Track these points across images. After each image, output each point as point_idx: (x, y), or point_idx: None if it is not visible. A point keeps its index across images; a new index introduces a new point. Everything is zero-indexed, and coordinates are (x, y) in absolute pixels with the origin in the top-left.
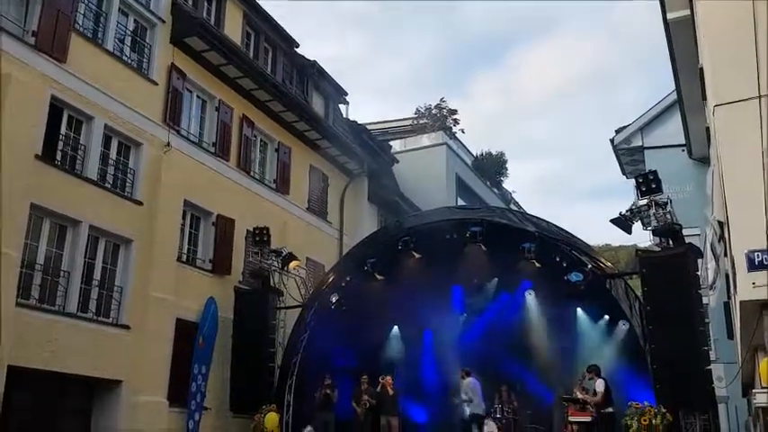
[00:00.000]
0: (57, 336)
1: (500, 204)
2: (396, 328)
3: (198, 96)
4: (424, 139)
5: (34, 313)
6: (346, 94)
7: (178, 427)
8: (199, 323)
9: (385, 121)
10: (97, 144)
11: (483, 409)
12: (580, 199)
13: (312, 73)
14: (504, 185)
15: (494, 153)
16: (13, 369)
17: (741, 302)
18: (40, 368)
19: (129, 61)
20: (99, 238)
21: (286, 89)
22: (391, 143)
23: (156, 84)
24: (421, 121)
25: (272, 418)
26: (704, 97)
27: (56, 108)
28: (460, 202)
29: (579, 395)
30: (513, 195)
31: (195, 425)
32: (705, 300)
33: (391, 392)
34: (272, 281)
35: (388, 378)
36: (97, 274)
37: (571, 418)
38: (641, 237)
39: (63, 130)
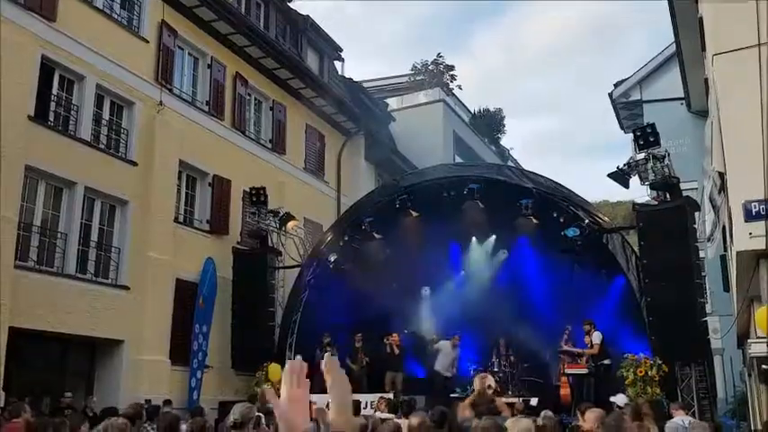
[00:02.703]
0: (57, 297)
1: (498, 162)
2: (394, 285)
3: (190, 54)
4: (421, 97)
5: (33, 275)
6: (341, 50)
7: (181, 385)
8: (198, 283)
9: (381, 79)
10: (90, 104)
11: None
12: (578, 156)
13: (306, 28)
14: (501, 143)
15: (491, 110)
16: (14, 330)
17: (738, 253)
18: (42, 329)
19: (119, 19)
20: (95, 200)
21: (279, 45)
22: (388, 101)
23: (147, 41)
24: (417, 78)
25: (274, 370)
26: (703, 48)
27: (47, 68)
28: (458, 160)
29: (571, 348)
30: (511, 152)
31: (198, 383)
32: (702, 253)
33: (397, 351)
34: (270, 241)
35: (395, 337)
36: (94, 236)
37: (567, 371)
38: (639, 193)
39: (55, 90)
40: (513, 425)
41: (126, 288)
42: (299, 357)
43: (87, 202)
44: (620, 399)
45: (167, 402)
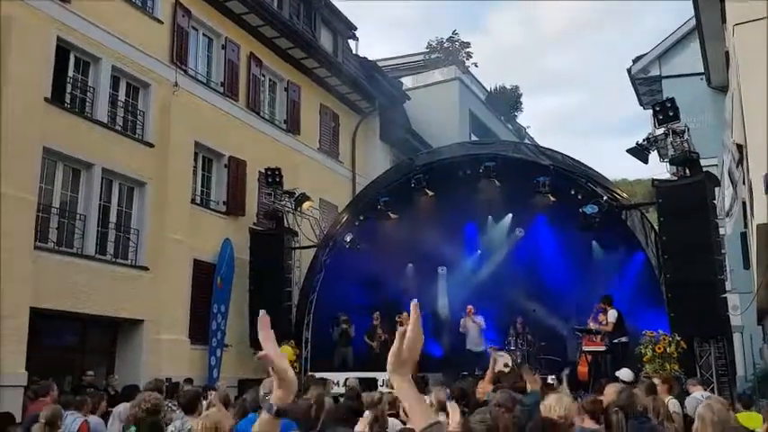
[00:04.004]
0: (76, 278)
1: (514, 140)
2: (410, 265)
3: (204, 35)
4: (436, 75)
5: (53, 256)
6: (355, 28)
7: (201, 363)
8: (216, 264)
9: (396, 57)
10: (105, 86)
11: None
12: (597, 134)
13: (320, 7)
14: (518, 121)
15: (508, 87)
16: (35, 311)
17: (758, 226)
18: (62, 309)
19: (134, 0)
20: (113, 181)
21: (293, 25)
22: (402, 80)
23: (162, 22)
24: (433, 56)
25: (285, 350)
26: (724, 20)
27: (62, 50)
28: (474, 139)
29: (592, 326)
30: (528, 131)
31: (217, 361)
32: (722, 230)
33: None
34: (286, 222)
35: (406, 315)
36: (113, 217)
37: (585, 348)
38: (658, 170)
39: (71, 72)
40: (557, 402)
41: (145, 269)
42: (262, 312)
43: (105, 183)
44: (623, 373)
45: (188, 381)
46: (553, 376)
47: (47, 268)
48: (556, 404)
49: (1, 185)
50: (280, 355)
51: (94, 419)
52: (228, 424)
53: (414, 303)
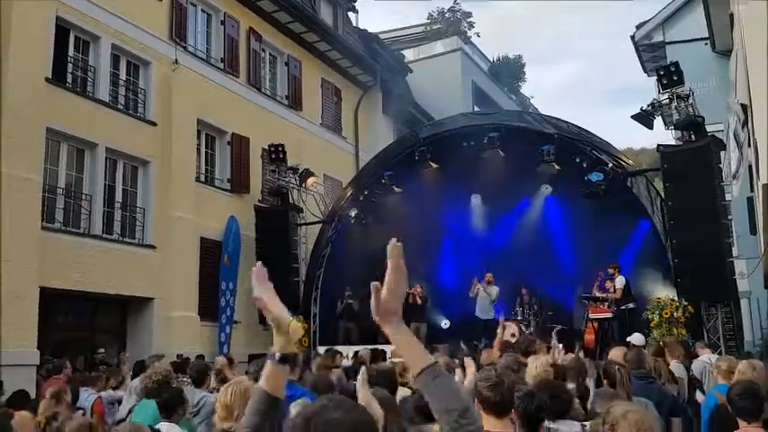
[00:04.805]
0: (85, 257)
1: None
2: (415, 238)
3: (202, 10)
4: (438, 46)
5: (60, 236)
6: (355, 0)
7: (211, 340)
8: (222, 241)
9: (397, 29)
10: (106, 64)
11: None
12: (601, 104)
13: None
14: (522, 91)
15: (511, 57)
16: (45, 290)
17: (764, 185)
18: (72, 288)
19: None
20: (117, 161)
21: None
22: (404, 52)
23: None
24: (434, 27)
25: (295, 326)
26: None
27: (62, 29)
28: (477, 110)
29: (598, 293)
30: (532, 101)
31: (227, 337)
32: (728, 196)
33: (420, 302)
34: (290, 198)
35: (417, 288)
36: (119, 197)
37: (591, 315)
38: (663, 138)
39: (71, 51)
40: (531, 361)
41: (152, 247)
42: (259, 263)
43: (109, 163)
44: (635, 338)
45: (200, 357)
46: (561, 345)
47: (55, 248)
48: (532, 364)
49: (6, 166)
50: (276, 302)
51: (108, 394)
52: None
53: (392, 244)
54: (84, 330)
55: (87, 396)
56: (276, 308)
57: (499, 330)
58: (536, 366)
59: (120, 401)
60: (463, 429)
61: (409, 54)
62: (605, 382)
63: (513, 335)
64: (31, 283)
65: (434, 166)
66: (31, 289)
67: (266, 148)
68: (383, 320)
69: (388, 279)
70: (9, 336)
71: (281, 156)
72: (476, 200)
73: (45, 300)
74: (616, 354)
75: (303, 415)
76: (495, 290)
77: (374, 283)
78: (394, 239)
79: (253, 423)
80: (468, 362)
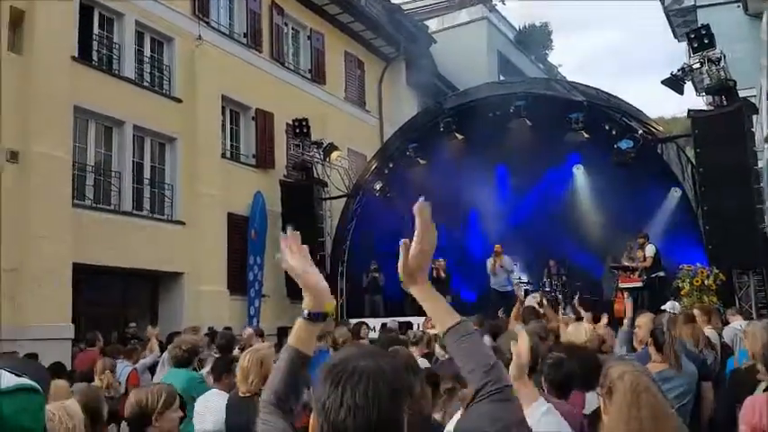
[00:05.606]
0: (115, 234)
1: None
2: (441, 210)
3: None
4: (463, 15)
5: (91, 213)
6: None
7: (240, 313)
8: (249, 216)
9: None
10: (131, 42)
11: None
12: (630, 73)
13: None
14: (549, 60)
15: (537, 25)
16: (78, 266)
17: None
18: (104, 264)
19: None
20: (144, 138)
21: None
22: (428, 22)
23: None
24: None
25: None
26: None
27: (86, 8)
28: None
29: (627, 263)
30: (560, 70)
31: (256, 311)
32: (761, 162)
33: (443, 275)
34: (315, 172)
35: (441, 261)
36: (147, 173)
37: (621, 285)
38: (694, 107)
39: (95, 29)
40: (575, 330)
41: (181, 223)
42: (290, 229)
43: (137, 140)
44: (670, 305)
45: (227, 329)
46: (589, 314)
47: (86, 225)
48: (574, 333)
49: (37, 145)
50: (306, 265)
51: (142, 365)
52: (272, 359)
53: (420, 202)
54: (116, 305)
55: (123, 368)
56: (312, 278)
57: (518, 300)
58: (585, 332)
59: (150, 369)
60: (490, 387)
61: (433, 24)
62: (651, 345)
63: (539, 303)
64: (64, 260)
65: (459, 137)
66: (64, 265)
67: (290, 122)
68: (410, 279)
69: (417, 237)
70: (45, 311)
71: (305, 130)
72: (502, 170)
73: (78, 275)
74: (644, 320)
75: (330, 362)
76: (506, 260)
77: (403, 240)
78: (422, 198)
79: (280, 381)
80: (523, 336)
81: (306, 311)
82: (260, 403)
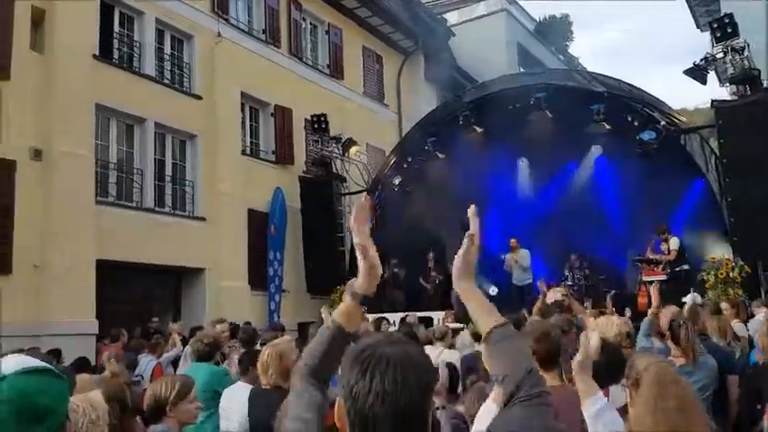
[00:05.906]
0: (138, 230)
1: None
2: (461, 204)
3: None
4: (481, 7)
5: (114, 210)
6: None
7: (261, 308)
8: (269, 212)
9: None
10: (151, 40)
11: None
12: (653, 65)
13: None
14: (569, 51)
15: (557, 17)
16: (102, 263)
17: None
18: (127, 260)
19: None
20: (165, 135)
21: None
22: (446, 16)
23: None
24: None
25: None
26: None
27: (107, 6)
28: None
29: (651, 256)
30: (580, 61)
31: (276, 306)
32: None
33: None
34: (334, 168)
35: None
36: (168, 170)
37: (645, 278)
38: (717, 97)
39: (116, 28)
40: (606, 323)
41: (203, 219)
42: (364, 195)
43: (158, 137)
44: (691, 297)
45: (247, 324)
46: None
47: (109, 222)
48: (606, 326)
49: (60, 143)
50: (371, 245)
51: (166, 359)
52: (293, 355)
53: (471, 210)
54: (139, 301)
55: (147, 362)
56: (376, 260)
57: (541, 294)
58: (616, 325)
59: (173, 362)
60: (527, 391)
61: (451, 17)
62: (669, 339)
63: (563, 295)
64: (88, 256)
65: (479, 130)
66: (88, 261)
67: (309, 118)
68: (462, 275)
69: (472, 235)
70: (70, 307)
71: (324, 126)
72: (522, 163)
73: (102, 272)
74: (666, 313)
75: (357, 348)
76: (522, 253)
77: (469, 233)
78: (473, 207)
79: (318, 354)
80: (593, 335)
81: (353, 288)
82: (295, 373)
